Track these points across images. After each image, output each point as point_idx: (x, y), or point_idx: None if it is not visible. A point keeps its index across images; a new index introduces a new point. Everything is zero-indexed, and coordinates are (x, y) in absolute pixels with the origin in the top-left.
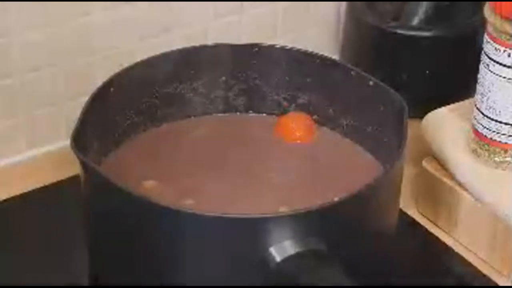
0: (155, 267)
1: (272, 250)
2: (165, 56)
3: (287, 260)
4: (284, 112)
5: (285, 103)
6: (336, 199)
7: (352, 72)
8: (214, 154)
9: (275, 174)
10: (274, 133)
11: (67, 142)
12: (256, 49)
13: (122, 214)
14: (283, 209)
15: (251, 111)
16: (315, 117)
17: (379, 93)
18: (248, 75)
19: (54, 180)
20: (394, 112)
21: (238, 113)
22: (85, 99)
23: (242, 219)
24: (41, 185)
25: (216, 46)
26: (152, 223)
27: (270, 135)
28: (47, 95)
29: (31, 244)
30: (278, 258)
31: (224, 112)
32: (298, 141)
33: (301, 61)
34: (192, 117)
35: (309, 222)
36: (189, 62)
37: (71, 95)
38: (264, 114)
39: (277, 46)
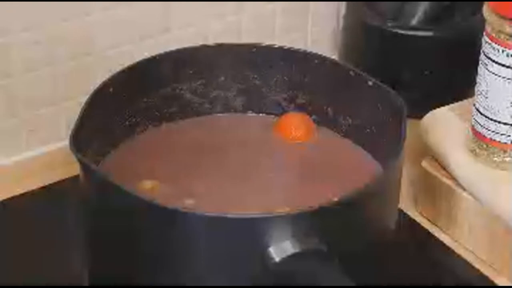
0: (154, 267)
1: (271, 250)
2: (164, 56)
3: (286, 260)
4: (284, 112)
5: (284, 103)
6: (335, 199)
7: (351, 72)
8: (214, 154)
9: (274, 174)
10: (274, 133)
11: (67, 142)
12: (255, 49)
13: (121, 214)
14: (283, 209)
15: (250, 111)
16: (314, 117)
17: (378, 93)
18: (247, 75)
19: (54, 180)
20: (393, 112)
21: (237, 113)
22: (85, 99)
23: (242, 219)
24: (41, 185)
25: (216, 46)
26: (152, 223)
27: (270, 135)
28: (47, 95)
29: (31, 244)
30: (277, 258)
31: (223, 112)
32: (298, 141)
33: (300, 61)
34: (192, 117)
35: (309, 222)
36: (188, 62)
37: (71, 95)
38: (264, 114)
39: (276, 46)
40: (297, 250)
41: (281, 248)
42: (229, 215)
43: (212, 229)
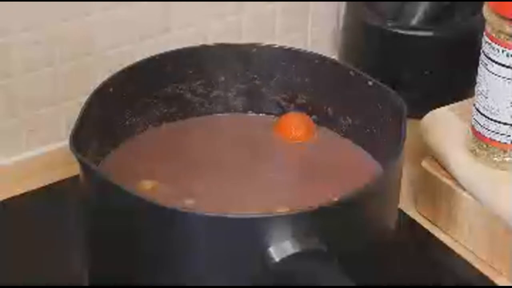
0: (154, 267)
1: (271, 250)
2: (164, 56)
3: (285, 260)
4: (284, 112)
5: (284, 103)
6: (335, 199)
7: (351, 72)
8: (214, 154)
9: (274, 174)
10: (274, 133)
11: (67, 142)
12: (255, 49)
13: (121, 214)
14: (283, 209)
15: (250, 111)
16: (314, 117)
17: (378, 93)
18: (247, 75)
19: (54, 180)
20: (393, 112)
21: (237, 113)
22: (85, 99)
23: (241, 219)
24: (41, 185)
25: (216, 46)
26: (151, 223)
27: (270, 135)
28: (47, 95)
29: (31, 244)
30: (277, 258)
31: (223, 112)
32: (298, 141)
33: (300, 61)
34: (192, 117)
35: (309, 222)
36: (188, 62)
37: (71, 95)
38: (264, 114)
39: (276, 46)
40: (297, 250)
41: (281, 248)
42: (229, 215)
43: (212, 229)
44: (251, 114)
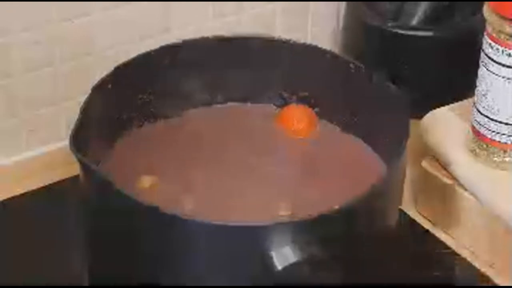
0: (153, 269)
1: (273, 257)
2: (161, 50)
3: (288, 267)
4: (286, 105)
5: (286, 95)
6: (336, 206)
7: (354, 70)
8: (214, 148)
9: (275, 168)
10: (276, 126)
11: (67, 142)
12: (256, 42)
13: (121, 214)
14: (284, 206)
15: (251, 104)
16: (316, 109)
17: (381, 89)
18: (248, 68)
19: (54, 180)
20: (396, 109)
21: (238, 106)
22: (84, 99)
23: (243, 227)
24: (41, 185)
25: (215, 39)
26: (151, 223)
27: (271, 128)
28: (47, 95)
29: (31, 244)
30: (279, 266)
31: (223, 103)
32: (300, 135)
33: (303, 54)
34: (191, 109)
35: (310, 229)
36: (187, 56)
37: (71, 95)
38: (265, 105)
39: (277, 39)
40: (299, 258)
41: (283, 256)
42: (230, 223)
43: (214, 237)
44: (252, 105)
